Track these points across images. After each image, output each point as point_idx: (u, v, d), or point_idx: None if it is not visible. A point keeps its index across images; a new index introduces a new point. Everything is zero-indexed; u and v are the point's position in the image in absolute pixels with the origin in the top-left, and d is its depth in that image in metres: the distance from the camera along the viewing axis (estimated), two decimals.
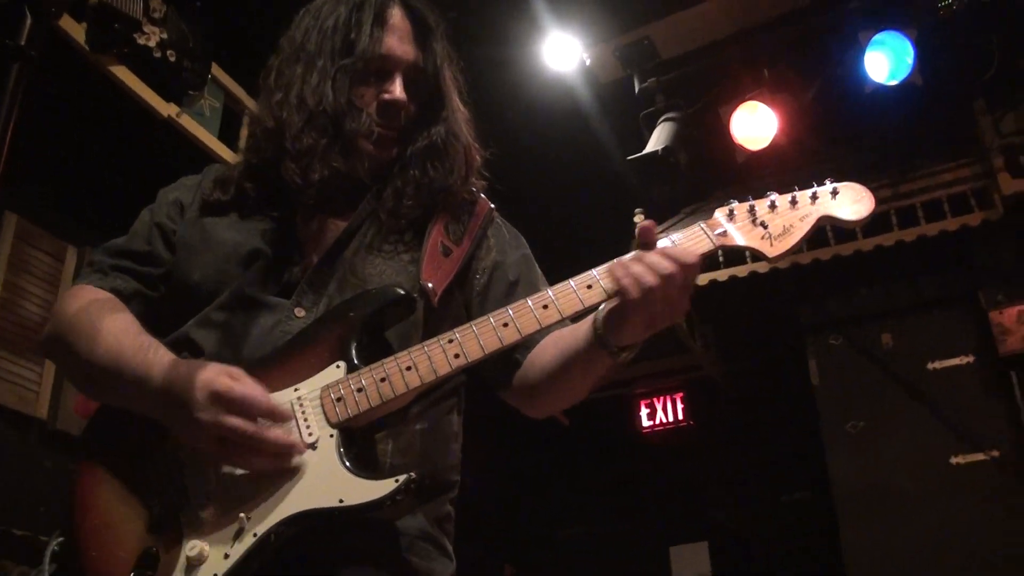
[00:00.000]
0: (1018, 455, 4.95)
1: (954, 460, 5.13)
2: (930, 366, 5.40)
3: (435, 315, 1.92)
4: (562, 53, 5.60)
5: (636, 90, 5.67)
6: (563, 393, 1.97)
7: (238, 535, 1.63)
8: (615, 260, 1.74)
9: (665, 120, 5.44)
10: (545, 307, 1.76)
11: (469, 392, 2.09)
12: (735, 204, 1.81)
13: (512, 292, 2.05)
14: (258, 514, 1.64)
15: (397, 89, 1.99)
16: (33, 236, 5.04)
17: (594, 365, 1.82)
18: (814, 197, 1.80)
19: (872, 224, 5.18)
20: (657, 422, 8.03)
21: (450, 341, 1.75)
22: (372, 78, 1.99)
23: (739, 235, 1.78)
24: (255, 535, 1.62)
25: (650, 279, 1.65)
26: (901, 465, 5.26)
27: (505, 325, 1.76)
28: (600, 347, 1.77)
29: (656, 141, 5.30)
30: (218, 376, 1.65)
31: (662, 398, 8.06)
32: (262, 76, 2.09)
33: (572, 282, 1.78)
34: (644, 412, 8.12)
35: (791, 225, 1.78)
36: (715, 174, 5.58)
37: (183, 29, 4.59)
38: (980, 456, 5.06)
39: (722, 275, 5.69)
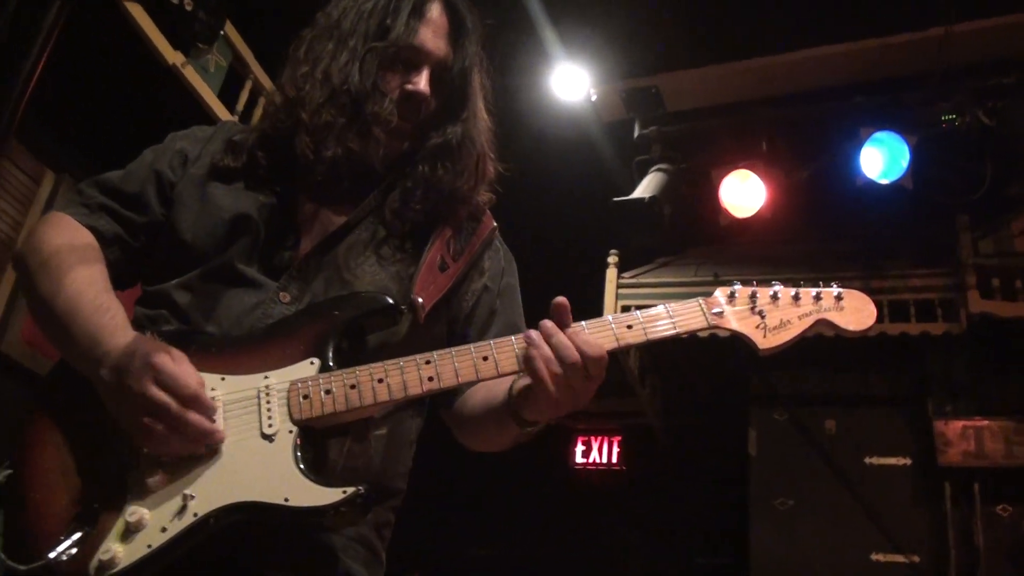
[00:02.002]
0: (935, 565, 5.04)
1: (874, 557, 5.20)
2: (868, 460, 5.48)
3: (419, 330, 1.90)
4: (571, 85, 5.64)
5: (635, 135, 5.74)
6: (482, 440, 1.99)
7: (180, 512, 1.60)
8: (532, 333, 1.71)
9: (657, 170, 5.52)
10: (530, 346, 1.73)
11: None
12: (738, 287, 1.79)
13: (491, 322, 2.05)
14: (203, 494, 1.61)
15: (422, 81, 1.96)
16: (14, 152, 4.95)
17: (505, 428, 1.82)
18: (818, 298, 1.78)
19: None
20: (590, 460, 8.04)
21: (427, 363, 1.73)
22: (400, 66, 1.97)
23: (734, 320, 1.76)
24: (195, 515, 1.60)
25: (555, 367, 1.65)
26: (822, 551, 5.33)
27: (485, 359, 1.74)
28: (509, 413, 1.78)
29: (644, 188, 5.36)
30: (158, 352, 1.62)
31: (600, 438, 8.08)
32: (292, 46, 2.05)
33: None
34: (580, 448, 8.13)
35: (789, 321, 1.76)
36: (696, 232, 5.65)
37: None
38: (900, 558, 5.14)
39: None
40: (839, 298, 1.79)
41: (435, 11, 2.00)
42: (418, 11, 1.97)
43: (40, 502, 1.64)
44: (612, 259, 5.90)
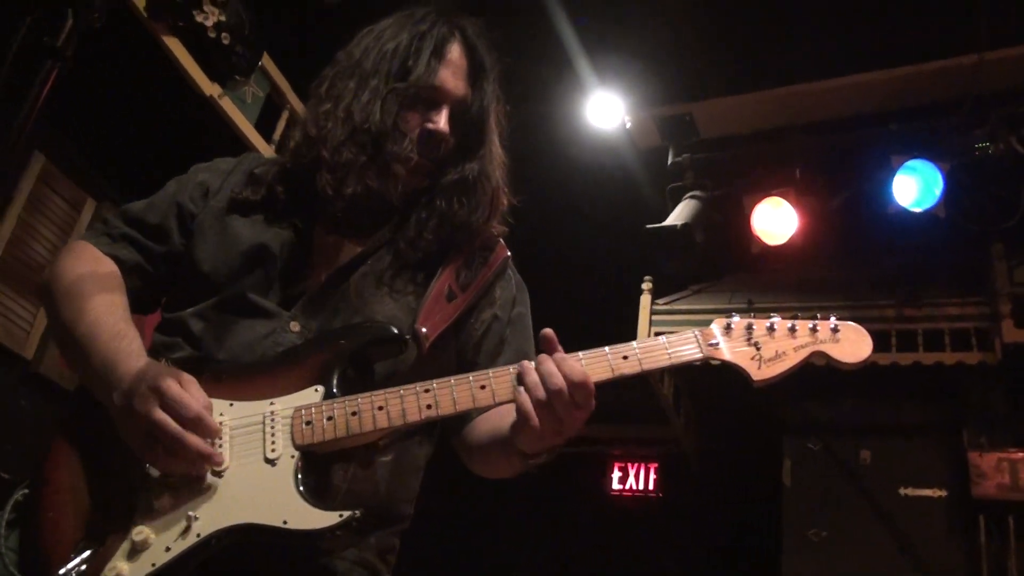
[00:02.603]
0: None
1: None
2: (902, 491, 5.39)
3: (425, 359, 1.94)
4: (606, 112, 5.68)
5: (669, 162, 5.75)
6: (488, 468, 2.04)
7: (184, 532, 1.66)
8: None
9: (690, 197, 5.53)
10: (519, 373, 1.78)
11: None
12: (736, 319, 1.82)
13: (500, 351, 2.09)
14: (205, 516, 1.68)
15: (442, 121, 2.02)
16: (56, 180, 5.12)
17: (511, 458, 1.86)
18: (814, 330, 1.80)
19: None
20: (627, 487, 8.02)
21: (426, 391, 1.78)
22: (420, 106, 2.03)
23: (729, 351, 1.79)
24: (198, 535, 1.66)
25: (539, 393, 1.69)
26: None
27: (482, 388, 1.78)
28: (511, 445, 1.81)
29: (677, 215, 5.37)
30: (165, 376, 1.69)
31: (636, 464, 8.05)
32: (314, 84, 2.12)
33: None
34: (616, 475, 8.11)
35: (784, 352, 1.78)
36: (728, 259, 5.64)
37: (242, 15, 4.66)
38: None
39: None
40: (835, 330, 1.80)
41: (455, 52, 2.06)
42: (438, 52, 2.04)
43: (53, 521, 1.72)
44: (646, 285, 5.90)
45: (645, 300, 5.87)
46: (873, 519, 5.36)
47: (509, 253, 2.19)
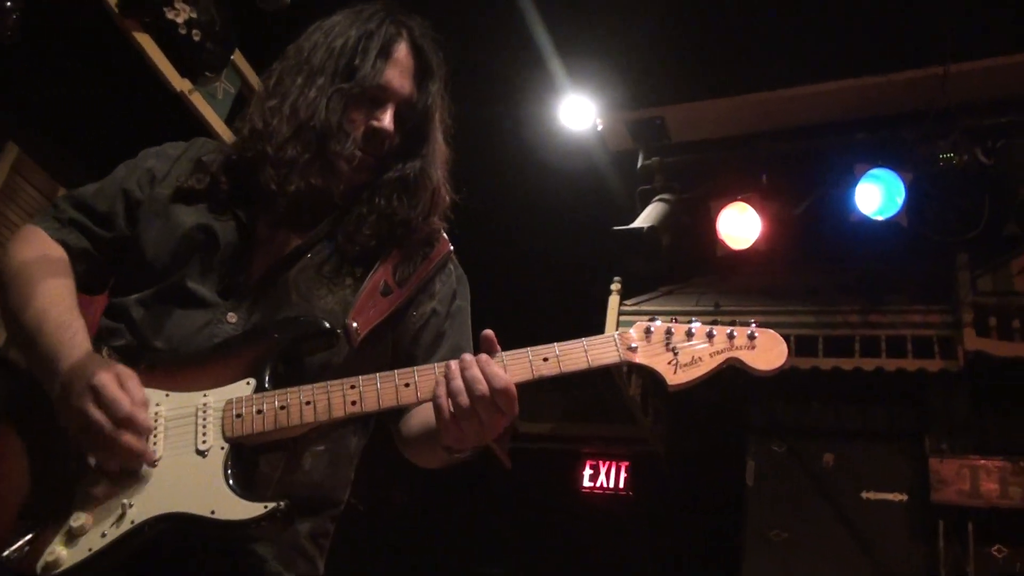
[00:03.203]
0: None
1: None
2: (864, 495, 5.46)
3: (357, 353, 1.97)
4: (578, 114, 5.71)
5: (638, 165, 5.80)
6: (419, 458, 2.06)
7: (119, 519, 1.71)
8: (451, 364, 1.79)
9: (659, 200, 5.57)
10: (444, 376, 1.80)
11: None
12: (656, 323, 1.84)
13: (438, 345, 2.12)
14: (139, 504, 1.72)
15: (387, 119, 2.04)
16: (29, 170, 5.14)
17: (437, 451, 1.89)
18: (731, 337, 1.81)
19: (836, 344, 5.31)
20: (597, 484, 8.07)
21: (352, 387, 1.81)
22: (366, 103, 2.04)
23: (647, 355, 1.81)
24: (132, 522, 1.70)
25: (463, 399, 1.72)
26: None
27: (407, 385, 1.81)
28: (437, 439, 1.85)
29: (645, 218, 5.42)
30: (105, 374, 1.72)
31: (608, 463, 8.11)
32: (263, 76, 2.14)
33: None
34: (588, 472, 8.16)
35: (700, 358, 1.80)
36: (693, 262, 5.69)
37: (213, 12, 4.66)
38: None
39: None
40: (752, 337, 1.82)
41: (401, 52, 2.09)
42: (385, 51, 2.06)
43: None
44: (615, 286, 5.95)
45: (614, 301, 5.92)
46: (835, 521, 5.43)
47: (451, 248, 2.22)
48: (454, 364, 1.77)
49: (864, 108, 5.06)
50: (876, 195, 4.81)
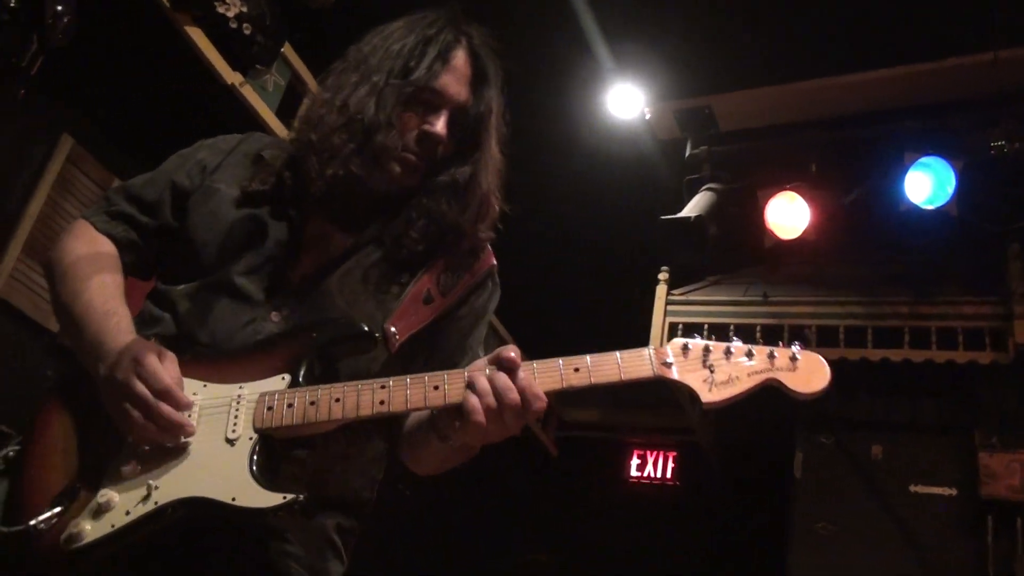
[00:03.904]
0: None
1: None
2: (913, 488, 5.38)
3: (394, 359, 2.01)
4: (626, 103, 5.71)
5: (686, 154, 5.77)
6: (415, 457, 2.10)
7: (144, 499, 1.76)
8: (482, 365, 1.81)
9: (706, 189, 5.54)
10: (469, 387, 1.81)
11: None
12: (694, 341, 1.81)
13: (459, 351, 2.16)
14: (164, 486, 1.78)
15: (440, 124, 2.07)
16: (84, 161, 5.28)
17: (429, 443, 1.95)
18: (771, 357, 1.78)
19: (885, 336, 5.25)
20: (644, 474, 8.08)
21: (382, 387, 1.84)
22: (421, 107, 2.07)
23: (682, 372, 1.78)
24: (156, 503, 1.76)
25: (492, 403, 1.75)
26: None
27: (436, 388, 1.83)
28: (431, 428, 1.90)
29: (692, 207, 5.39)
30: (146, 350, 1.80)
31: (655, 452, 8.11)
32: (321, 77, 2.19)
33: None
34: (635, 462, 8.17)
35: (737, 377, 1.77)
36: (741, 252, 5.65)
37: (263, 6, 4.74)
38: None
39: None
40: (794, 359, 1.78)
41: (459, 58, 2.11)
42: (443, 56, 2.09)
43: (35, 477, 1.84)
44: (663, 276, 5.93)
45: (661, 290, 5.90)
46: (882, 515, 5.35)
47: (495, 262, 2.23)
48: (486, 371, 1.79)
49: (914, 95, 4.97)
50: (926, 184, 4.74)
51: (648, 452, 8.12)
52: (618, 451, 8.24)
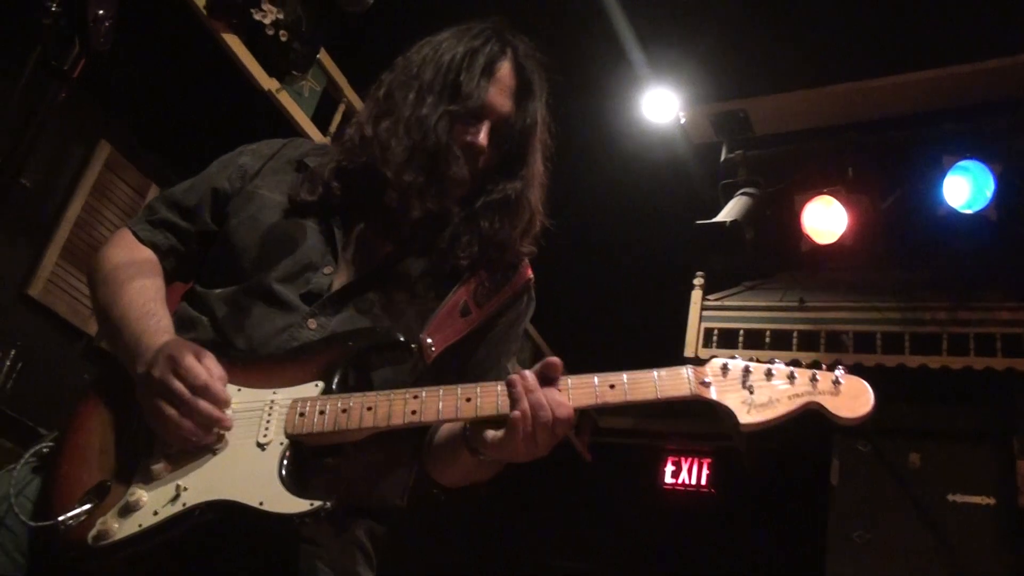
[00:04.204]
0: None
1: None
2: (950, 497, 5.30)
3: (429, 370, 1.99)
4: (660, 107, 5.70)
5: (721, 158, 5.74)
6: (442, 470, 2.09)
7: (173, 500, 1.76)
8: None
9: (742, 194, 5.50)
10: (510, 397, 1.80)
11: None
12: (734, 361, 1.78)
13: (490, 361, 2.15)
14: (194, 487, 1.78)
15: (482, 135, 2.06)
16: (121, 167, 5.37)
17: (460, 458, 1.94)
18: (814, 380, 1.74)
19: (923, 342, 5.18)
20: (679, 481, 8.02)
21: (415, 397, 1.83)
22: (465, 120, 2.07)
23: (720, 392, 1.75)
24: (184, 504, 1.76)
25: (528, 422, 1.74)
26: None
27: (468, 400, 1.82)
28: (464, 442, 1.89)
29: (728, 212, 5.36)
30: (183, 348, 1.80)
31: (690, 459, 8.05)
32: (373, 87, 2.17)
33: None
34: (669, 468, 8.12)
35: (777, 399, 1.73)
36: (778, 257, 5.60)
37: (299, 13, 4.80)
38: None
39: (764, 355, 5.68)
40: (837, 383, 1.73)
41: (504, 70, 2.11)
42: (488, 70, 2.08)
43: (67, 475, 1.84)
44: (698, 281, 5.89)
45: (696, 295, 5.86)
46: (919, 524, 5.27)
47: (532, 276, 2.22)
48: (519, 383, 1.78)
49: (952, 98, 4.91)
50: (965, 188, 4.67)
51: (683, 459, 8.07)
52: (653, 457, 8.19)
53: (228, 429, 1.82)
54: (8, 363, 4.90)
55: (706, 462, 8.00)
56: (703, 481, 7.96)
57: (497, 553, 7.79)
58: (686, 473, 8.03)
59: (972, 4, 4.49)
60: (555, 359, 1.82)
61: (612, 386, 1.79)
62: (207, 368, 1.80)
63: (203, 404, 1.77)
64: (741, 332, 5.50)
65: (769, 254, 5.65)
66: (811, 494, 6.04)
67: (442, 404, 1.82)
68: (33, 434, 4.43)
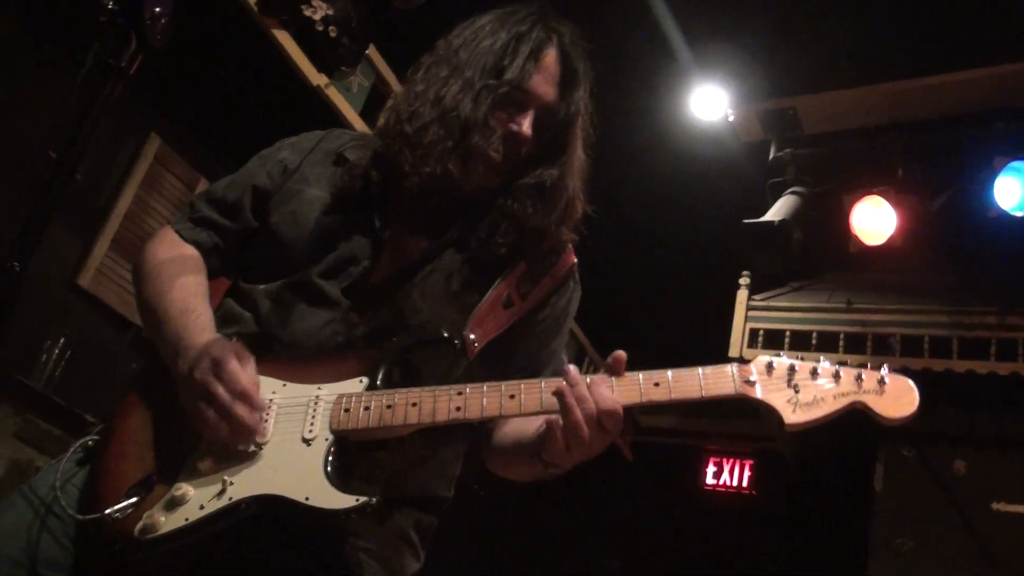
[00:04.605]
0: None
1: None
2: (995, 506, 5.19)
3: (475, 364, 2.00)
4: (709, 105, 5.67)
5: (770, 157, 5.69)
6: (509, 471, 2.09)
7: (219, 494, 1.79)
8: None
9: (790, 193, 5.46)
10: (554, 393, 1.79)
11: None
12: (779, 359, 1.77)
13: (539, 352, 2.15)
14: (240, 482, 1.80)
15: (526, 124, 2.05)
16: (171, 161, 5.44)
17: (533, 465, 1.92)
18: (859, 379, 1.73)
19: (971, 347, 5.09)
20: (720, 483, 7.96)
21: (459, 394, 1.83)
22: (508, 106, 2.05)
23: (766, 390, 1.74)
24: (230, 499, 1.78)
25: (576, 414, 1.73)
26: None
27: (512, 397, 1.82)
28: (534, 453, 1.88)
29: (776, 211, 5.32)
30: (226, 351, 1.82)
31: (732, 460, 7.98)
32: (411, 69, 2.16)
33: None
34: (711, 469, 8.06)
35: (823, 398, 1.72)
36: (825, 257, 5.54)
37: (349, 9, 4.83)
38: None
39: (811, 356, 5.61)
40: (882, 382, 1.72)
41: (550, 57, 2.08)
42: (534, 56, 2.06)
43: (113, 468, 1.88)
44: (744, 280, 5.82)
45: (742, 295, 5.80)
46: (963, 533, 5.18)
47: (575, 260, 2.21)
48: (565, 382, 1.78)
49: (1004, 97, 4.82)
50: (1016, 189, 4.60)
51: (724, 460, 8.00)
52: (694, 458, 8.12)
53: (263, 439, 1.83)
54: (57, 351, 5.00)
55: (748, 463, 7.92)
56: (744, 483, 7.89)
57: (537, 552, 7.80)
58: (727, 474, 7.97)
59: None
60: (621, 353, 1.80)
61: (657, 384, 1.78)
62: (247, 372, 1.81)
63: (240, 410, 1.78)
64: (787, 333, 5.44)
65: (817, 254, 5.59)
66: (854, 499, 5.97)
67: (486, 401, 1.83)
68: (81, 422, 4.52)
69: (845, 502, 6.34)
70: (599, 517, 8.02)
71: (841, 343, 5.30)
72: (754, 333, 5.62)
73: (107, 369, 5.10)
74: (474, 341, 1.98)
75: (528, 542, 7.69)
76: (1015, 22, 4.46)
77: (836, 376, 1.73)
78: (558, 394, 1.76)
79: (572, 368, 1.80)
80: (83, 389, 4.81)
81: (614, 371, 1.79)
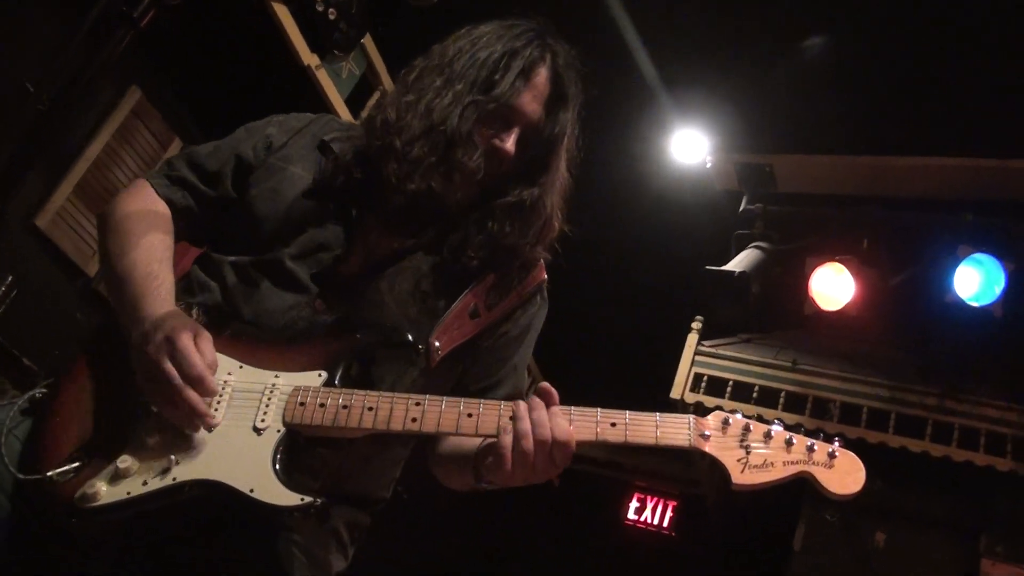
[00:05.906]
0: None
1: None
2: None
3: (433, 371, 2.00)
4: (689, 149, 5.73)
5: (740, 208, 5.76)
6: (447, 479, 2.09)
7: (163, 472, 1.76)
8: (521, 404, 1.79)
9: (755, 246, 5.52)
10: (511, 418, 1.80)
11: None
12: (735, 417, 1.79)
13: (498, 366, 2.14)
14: (185, 463, 1.77)
15: (510, 141, 2.05)
16: (148, 115, 5.35)
17: (465, 477, 1.94)
18: (810, 449, 1.75)
19: (908, 424, 5.18)
20: (642, 519, 8.00)
21: (416, 404, 1.82)
22: (495, 122, 2.05)
23: (718, 447, 1.76)
24: (174, 479, 1.75)
25: (527, 443, 1.73)
26: None
27: (469, 416, 1.82)
28: (471, 466, 1.89)
29: (738, 262, 5.38)
30: (183, 330, 1.77)
31: (656, 499, 8.03)
32: (404, 71, 2.15)
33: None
34: (634, 505, 8.10)
35: (772, 463, 1.74)
36: (779, 315, 5.61)
37: None
38: None
39: (750, 410, 5.68)
40: (832, 455, 1.75)
41: (541, 77, 2.08)
42: (525, 74, 2.06)
43: (58, 428, 1.83)
44: (696, 324, 5.87)
45: (692, 339, 5.84)
46: None
47: (545, 277, 2.21)
48: (523, 405, 1.78)
49: (976, 190, 4.95)
50: (975, 280, 4.71)
51: (649, 497, 8.04)
52: (620, 491, 8.16)
53: (212, 427, 1.80)
54: (4, 288, 4.88)
55: (672, 504, 7.97)
56: (666, 523, 7.94)
57: (451, 571, 7.74)
58: (650, 512, 8.01)
59: (1010, 101, 4.51)
60: (547, 384, 1.81)
61: (613, 424, 1.78)
62: (203, 355, 1.77)
63: (191, 396, 1.74)
64: (730, 383, 5.49)
65: (771, 310, 5.65)
66: (772, 555, 6.03)
67: (443, 416, 1.81)
68: (17, 361, 4.42)
69: (762, 557, 6.40)
70: (520, 539, 7.99)
71: (781, 401, 5.35)
72: (698, 378, 5.66)
73: (51, 315, 4.99)
74: (438, 349, 1.97)
75: (442, 559, 7.62)
76: (996, 120, 4.57)
77: (788, 443, 1.75)
78: (515, 416, 1.76)
79: (535, 398, 1.79)
80: (23, 331, 4.70)
81: (546, 400, 1.79)
